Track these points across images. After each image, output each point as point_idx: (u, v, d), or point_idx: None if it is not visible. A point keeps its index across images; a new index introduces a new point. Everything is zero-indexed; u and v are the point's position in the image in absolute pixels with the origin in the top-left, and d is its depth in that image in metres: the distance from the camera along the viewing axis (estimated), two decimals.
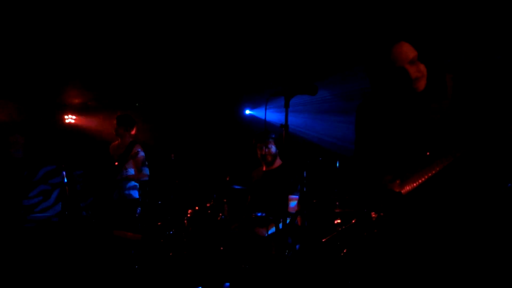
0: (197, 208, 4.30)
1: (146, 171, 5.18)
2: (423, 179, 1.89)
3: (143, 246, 4.51)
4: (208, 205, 4.32)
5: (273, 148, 4.44)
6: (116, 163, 5.05)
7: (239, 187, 4.51)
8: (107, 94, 7.41)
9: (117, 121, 5.32)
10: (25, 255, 5.17)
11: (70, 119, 7.76)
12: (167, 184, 4.80)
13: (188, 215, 4.29)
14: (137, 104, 7.69)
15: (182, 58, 6.32)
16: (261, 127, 5.98)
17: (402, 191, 1.97)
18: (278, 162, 4.54)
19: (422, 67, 1.89)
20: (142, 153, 5.18)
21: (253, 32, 5.52)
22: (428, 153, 1.90)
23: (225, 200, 4.40)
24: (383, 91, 2.00)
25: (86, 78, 6.90)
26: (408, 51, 1.85)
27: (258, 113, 7.50)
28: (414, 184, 1.93)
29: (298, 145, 6.50)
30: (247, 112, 7.59)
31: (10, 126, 6.78)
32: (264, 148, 4.43)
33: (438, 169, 1.83)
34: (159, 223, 4.46)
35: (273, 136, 4.45)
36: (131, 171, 5.15)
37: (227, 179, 4.51)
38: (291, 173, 4.35)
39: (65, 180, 5.16)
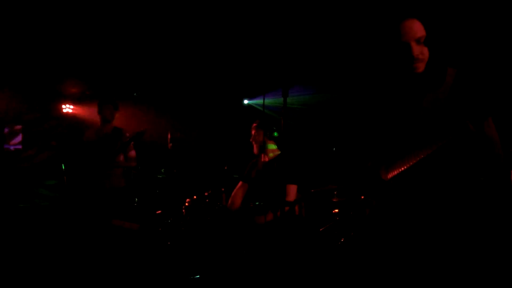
0: (195, 197, 4.30)
1: (135, 156, 5.09)
2: (406, 165, 1.90)
3: (141, 235, 4.52)
4: (206, 194, 4.33)
5: (260, 137, 4.42)
6: (108, 152, 4.88)
7: (237, 176, 4.51)
8: (105, 84, 7.39)
9: (113, 106, 5.13)
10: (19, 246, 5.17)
11: (67, 108, 7.73)
12: (165, 173, 4.79)
13: (186, 204, 4.30)
14: (135, 94, 7.67)
15: (180, 47, 6.30)
16: (260, 117, 5.98)
17: (386, 177, 1.99)
18: (275, 151, 4.55)
19: (425, 50, 1.89)
20: (130, 138, 5.05)
21: (252, 21, 5.50)
22: (414, 141, 1.91)
23: (223, 189, 4.40)
24: (383, 64, 1.99)
25: (84, 68, 6.87)
26: (417, 29, 1.85)
27: (257, 103, 7.49)
28: (398, 170, 1.94)
29: (296, 134, 6.50)
30: (246, 102, 7.59)
31: (8, 116, 6.76)
32: (253, 134, 4.45)
33: (421, 156, 1.84)
34: (157, 212, 4.47)
35: (265, 126, 4.43)
36: (119, 158, 5.05)
37: (225, 168, 4.52)
38: (290, 162, 4.36)
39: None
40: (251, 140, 4.53)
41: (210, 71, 6.95)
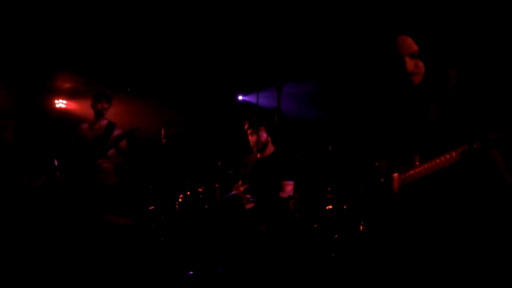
0: (188, 193, 4.29)
1: (127, 151, 5.06)
2: (420, 175, 1.93)
3: (134, 231, 4.50)
4: (199, 190, 4.32)
5: (263, 136, 4.34)
6: (100, 146, 4.83)
7: (231, 172, 4.50)
8: (99, 79, 7.34)
9: (106, 99, 5.09)
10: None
11: (60, 103, 7.68)
12: (158, 169, 4.77)
13: (180, 200, 4.28)
14: (129, 89, 7.63)
15: (175, 43, 6.27)
16: (254, 113, 5.97)
17: (396, 187, 2.04)
18: (271, 148, 4.52)
19: (420, 63, 1.92)
20: (122, 133, 5.02)
21: (246, 18, 5.47)
22: (425, 151, 1.93)
23: (217, 185, 4.39)
24: (380, 79, 2.04)
25: (77, 62, 6.82)
26: (410, 44, 1.89)
27: (251, 98, 7.47)
28: (411, 179, 1.98)
29: (291, 129, 6.49)
30: (240, 97, 7.56)
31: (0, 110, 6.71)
32: (254, 135, 4.36)
33: (437, 168, 1.85)
34: (150, 208, 4.45)
35: (264, 122, 4.36)
36: (111, 153, 5.02)
37: (219, 164, 4.50)
38: (285, 159, 4.33)
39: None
40: (252, 142, 4.44)
41: (204, 67, 6.92)
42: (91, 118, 5.14)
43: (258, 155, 4.54)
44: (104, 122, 5.06)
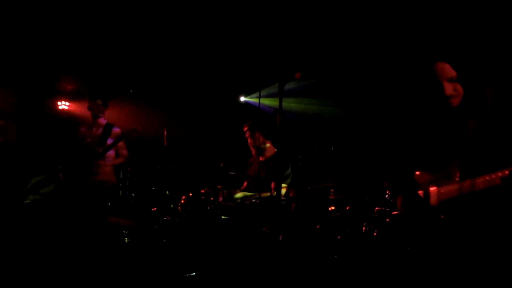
0: (191, 194, 4.29)
1: (126, 153, 5.06)
2: (458, 193, 2.02)
3: (136, 232, 4.50)
4: (202, 191, 4.31)
5: (260, 139, 4.38)
6: (98, 148, 4.84)
7: (233, 173, 4.50)
8: (101, 81, 7.35)
9: (102, 100, 5.06)
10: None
11: (63, 105, 7.69)
12: (160, 170, 4.76)
13: (182, 201, 4.28)
14: (131, 91, 7.64)
15: (176, 44, 6.27)
16: (257, 114, 5.95)
17: (433, 201, 2.11)
18: (272, 150, 4.52)
19: (459, 86, 2.02)
20: (121, 135, 5.03)
21: (249, 18, 5.47)
22: (465, 168, 2.02)
23: (219, 187, 4.39)
24: (420, 101, 2.18)
25: (80, 64, 6.83)
26: (448, 70, 2.00)
27: (254, 99, 7.46)
28: (449, 195, 2.06)
29: (292, 131, 6.48)
30: (242, 98, 7.56)
31: (2, 112, 6.71)
32: (250, 138, 4.41)
33: (475, 188, 1.94)
34: (152, 209, 4.45)
35: (260, 127, 4.39)
36: (110, 155, 5.02)
37: (221, 165, 4.50)
38: (285, 161, 4.34)
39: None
40: (249, 145, 4.50)
41: (206, 68, 6.92)
42: (90, 119, 5.16)
43: (261, 158, 4.55)
44: (102, 124, 5.07)
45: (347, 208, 4.50)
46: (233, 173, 4.50)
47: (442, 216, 2.09)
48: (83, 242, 4.54)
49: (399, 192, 2.29)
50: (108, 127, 5.05)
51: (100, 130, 5.03)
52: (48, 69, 6.92)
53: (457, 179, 2.04)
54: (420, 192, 2.20)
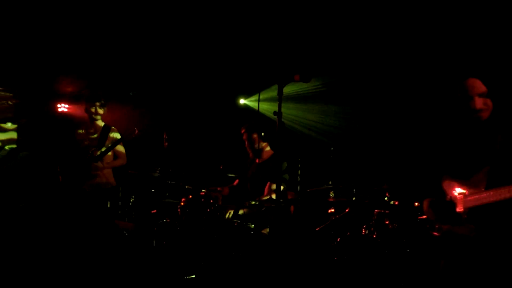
0: (190, 196, 4.29)
1: (125, 155, 5.05)
2: (484, 201, 2.13)
3: (136, 234, 4.49)
4: (201, 193, 4.31)
5: (256, 141, 4.39)
6: (96, 150, 4.82)
7: (232, 175, 4.50)
8: (101, 83, 7.34)
9: (99, 102, 5.02)
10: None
11: (62, 108, 7.68)
12: (160, 173, 4.76)
13: (182, 204, 4.28)
14: (131, 93, 7.63)
15: (176, 47, 6.28)
16: (256, 116, 5.96)
17: (459, 208, 2.23)
18: (269, 152, 4.53)
19: (489, 101, 2.19)
20: (119, 137, 5.02)
21: (248, 20, 5.48)
22: (492, 178, 2.15)
23: (219, 189, 4.39)
24: (453, 113, 2.34)
25: (80, 67, 6.83)
26: (479, 86, 2.16)
27: (253, 102, 7.46)
28: (475, 203, 2.17)
29: (291, 135, 6.50)
30: (242, 101, 7.56)
31: (2, 114, 6.71)
32: (248, 140, 4.41)
33: (501, 197, 2.05)
34: (152, 212, 4.44)
35: (258, 128, 4.40)
36: (109, 157, 5.01)
37: (221, 167, 4.51)
38: (283, 164, 4.33)
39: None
40: (247, 147, 4.50)
41: (206, 71, 6.92)
42: (88, 122, 5.15)
43: (257, 160, 4.55)
44: (100, 126, 5.06)
45: (347, 210, 4.50)
46: (232, 175, 4.51)
47: (472, 226, 2.20)
48: (84, 244, 4.53)
49: (426, 196, 2.41)
50: (106, 129, 5.03)
51: (98, 132, 5.02)
52: (48, 72, 6.92)
53: (483, 188, 2.16)
54: (447, 198, 2.31)
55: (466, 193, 2.23)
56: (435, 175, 2.42)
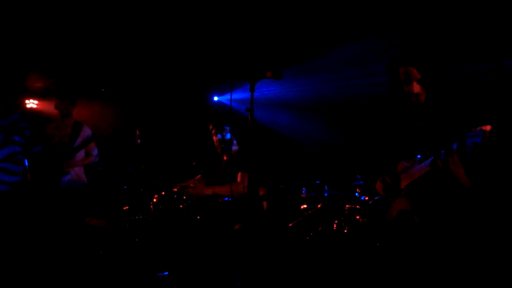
0: (163, 193, 4.27)
1: (96, 152, 5.00)
2: (413, 177, 2.39)
3: (108, 231, 4.45)
4: (174, 190, 4.30)
5: (227, 136, 4.39)
6: (67, 148, 4.75)
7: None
8: (71, 79, 7.22)
9: (69, 99, 4.97)
10: None
11: (31, 103, 7.53)
12: (132, 169, 4.73)
13: (154, 200, 4.26)
14: (103, 90, 7.54)
15: (149, 42, 6.22)
16: (227, 112, 5.98)
17: (403, 186, 2.49)
18: (235, 148, 4.53)
19: (424, 87, 2.36)
20: (91, 133, 4.96)
21: (221, 17, 5.48)
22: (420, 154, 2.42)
23: (192, 185, 4.38)
24: (393, 99, 2.55)
25: (50, 62, 6.70)
26: (413, 73, 2.34)
27: (226, 99, 7.48)
28: (411, 179, 2.42)
29: (262, 129, 6.55)
30: (215, 98, 7.57)
31: None
32: (217, 135, 4.40)
33: (420, 174, 2.33)
34: (124, 208, 4.41)
35: (228, 123, 4.40)
36: (80, 154, 4.95)
37: (194, 164, 4.50)
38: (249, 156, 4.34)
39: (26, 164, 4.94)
40: (216, 145, 4.46)
41: (180, 67, 6.90)
42: (59, 118, 5.06)
43: (225, 157, 4.54)
44: (71, 122, 4.98)
45: (319, 206, 4.57)
46: (203, 171, 4.50)
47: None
48: (55, 242, 4.46)
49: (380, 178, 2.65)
50: (77, 125, 4.96)
51: (69, 129, 4.94)
52: (16, 67, 6.76)
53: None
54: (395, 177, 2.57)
55: (406, 172, 2.49)
56: (392, 162, 2.67)
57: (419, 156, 2.44)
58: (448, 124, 2.33)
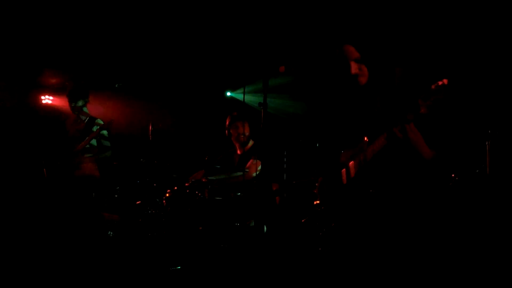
0: (175, 188, 4.29)
1: (109, 148, 5.04)
2: (366, 159, 2.24)
3: (121, 226, 4.49)
4: (187, 184, 4.32)
5: (246, 129, 4.42)
6: (81, 143, 4.80)
7: (218, 166, 4.51)
8: (86, 74, 7.27)
9: (82, 96, 5.03)
10: None
11: (47, 99, 7.60)
12: (145, 164, 4.75)
13: (167, 195, 4.29)
14: (116, 85, 7.57)
15: (163, 39, 6.25)
16: (241, 108, 5.98)
17: (352, 175, 2.33)
18: (251, 142, 4.55)
19: (363, 67, 2.29)
20: (105, 129, 5.00)
21: (235, 13, 5.48)
22: (366, 138, 2.27)
23: (204, 180, 4.40)
24: (332, 79, 2.41)
25: (65, 58, 6.75)
26: (352, 51, 2.28)
27: (239, 95, 7.47)
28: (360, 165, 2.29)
29: (276, 126, 6.53)
30: (228, 94, 7.56)
31: None
32: (236, 129, 4.42)
33: (375, 152, 2.18)
34: (137, 203, 4.44)
35: (245, 117, 4.43)
36: (89, 148, 4.99)
37: (206, 159, 4.51)
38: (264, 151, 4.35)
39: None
40: (234, 138, 4.49)
41: (192, 63, 6.90)
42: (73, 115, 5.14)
43: (239, 152, 4.55)
44: (85, 118, 5.04)
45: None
46: (218, 166, 4.52)
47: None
48: (69, 237, 4.51)
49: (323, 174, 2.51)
50: (91, 120, 5.01)
51: (82, 124, 5.00)
52: (31, 63, 6.83)
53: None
54: (343, 170, 2.38)
55: (355, 160, 2.32)
56: (333, 151, 2.49)
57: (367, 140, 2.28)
58: (394, 103, 2.20)
